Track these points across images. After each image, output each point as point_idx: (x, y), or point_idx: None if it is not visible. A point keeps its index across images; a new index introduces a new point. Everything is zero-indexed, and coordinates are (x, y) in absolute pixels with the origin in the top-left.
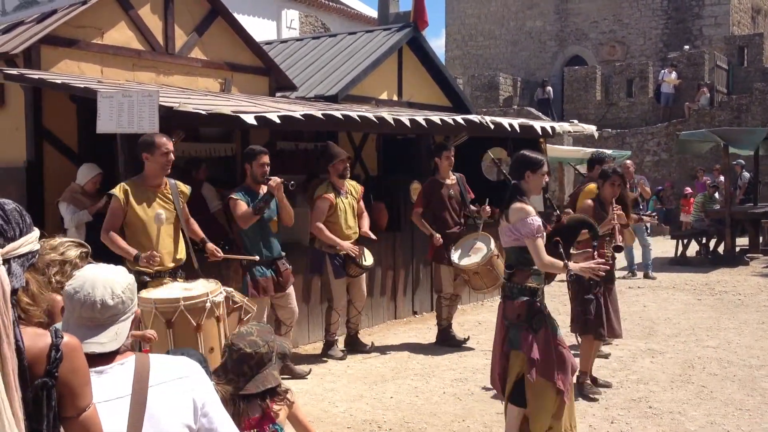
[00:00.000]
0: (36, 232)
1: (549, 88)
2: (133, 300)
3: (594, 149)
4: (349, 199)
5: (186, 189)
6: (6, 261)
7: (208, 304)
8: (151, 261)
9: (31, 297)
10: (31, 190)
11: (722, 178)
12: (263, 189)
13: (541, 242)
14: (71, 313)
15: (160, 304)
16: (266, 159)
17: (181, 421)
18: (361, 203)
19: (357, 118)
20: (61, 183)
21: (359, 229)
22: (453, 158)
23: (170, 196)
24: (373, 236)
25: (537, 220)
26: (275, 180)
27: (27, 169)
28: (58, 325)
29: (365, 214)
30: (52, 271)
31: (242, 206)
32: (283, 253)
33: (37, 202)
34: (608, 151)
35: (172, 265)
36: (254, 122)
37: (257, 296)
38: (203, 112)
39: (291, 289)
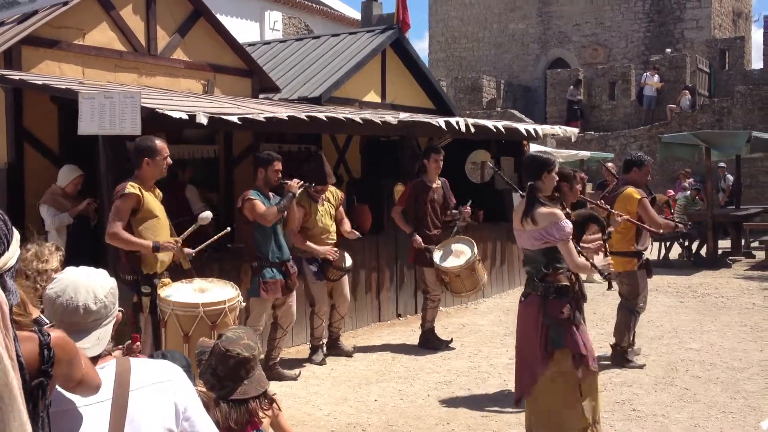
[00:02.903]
0: (17, 236)
1: (578, 89)
2: (115, 304)
3: (576, 151)
4: (326, 205)
5: (159, 193)
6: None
7: (243, 303)
8: (169, 247)
9: (21, 307)
10: (12, 192)
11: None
12: (270, 193)
13: (572, 245)
14: (52, 317)
15: (207, 308)
16: (280, 165)
17: (162, 425)
18: (341, 210)
19: (324, 118)
20: (42, 185)
21: (341, 230)
22: (442, 161)
23: (159, 198)
24: (357, 233)
25: (569, 224)
26: (297, 182)
27: (8, 171)
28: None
29: (345, 220)
30: (40, 279)
31: (261, 205)
32: (290, 256)
33: (18, 204)
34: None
35: (169, 262)
36: (238, 122)
37: (266, 297)
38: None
39: (293, 294)
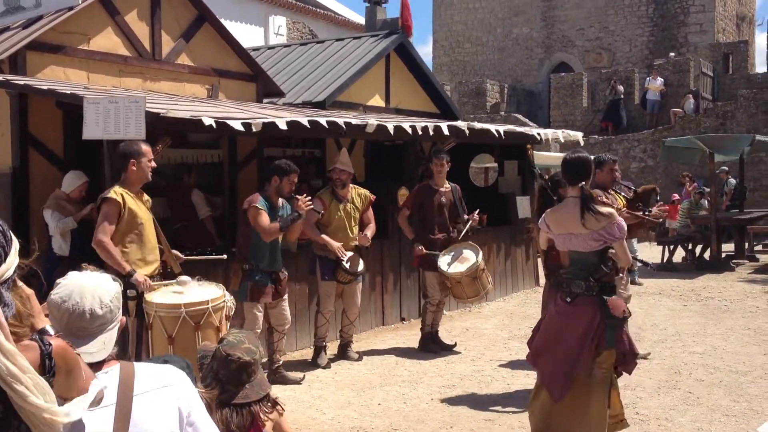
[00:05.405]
0: (16, 246)
1: (620, 87)
2: (120, 308)
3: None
4: (348, 207)
5: (147, 198)
6: None
7: (230, 304)
8: (144, 285)
9: (17, 318)
10: (17, 197)
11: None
12: (279, 200)
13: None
14: (58, 322)
15: (189, 308)
16: (296, 178)
17: (166, 429)
18: (369, 212)
19: (342, 124)
20: (46, 189)
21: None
22: (446, 165)
23: (147, 204)
24: (365, 243)
25: (623, 222)
26: (306, 204)
27: (12, 175)
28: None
29: (372, 225)
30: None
31: (266, 217)
32: (282, 267)
33: (22, 209)
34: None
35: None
36: (241, 128)
37: (255, 302)
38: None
39: (285, 297)
